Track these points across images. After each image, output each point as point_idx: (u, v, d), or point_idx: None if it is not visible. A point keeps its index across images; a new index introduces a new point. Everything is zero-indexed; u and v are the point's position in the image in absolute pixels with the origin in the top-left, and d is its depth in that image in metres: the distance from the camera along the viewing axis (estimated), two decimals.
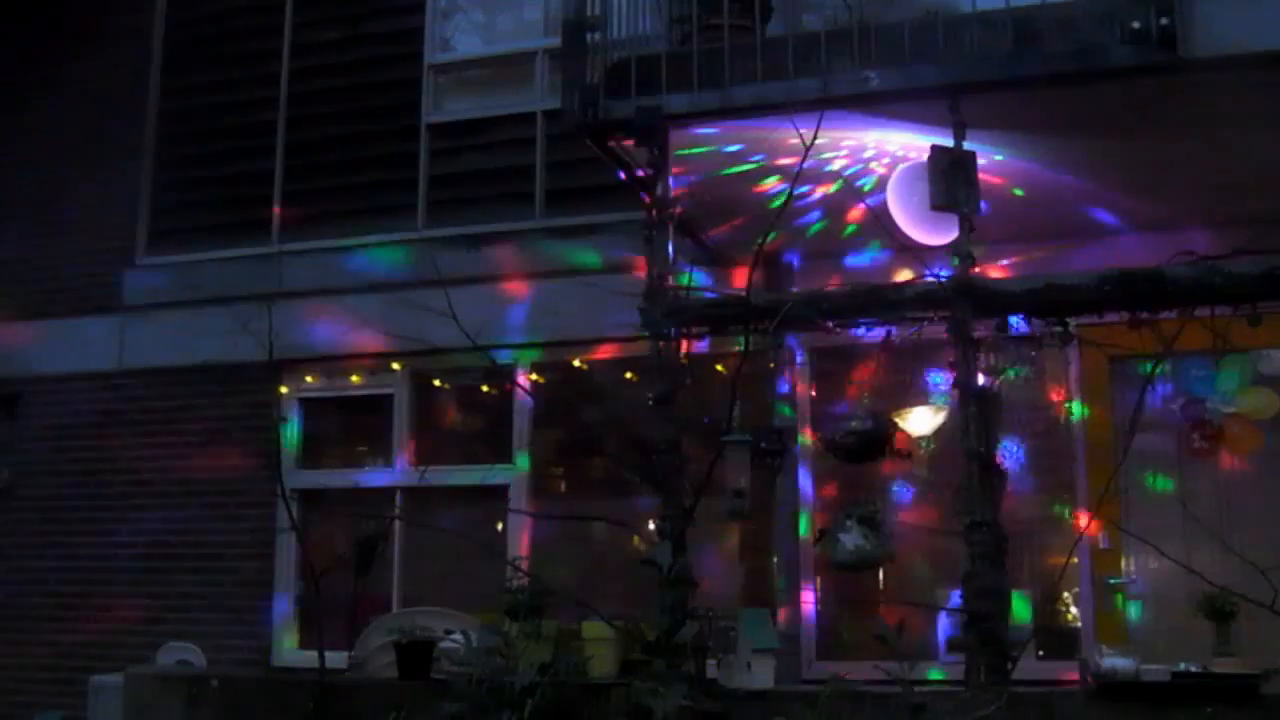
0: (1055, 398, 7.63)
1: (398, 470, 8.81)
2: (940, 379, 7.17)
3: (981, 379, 5.67)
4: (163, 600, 9.02)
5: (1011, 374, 6.01)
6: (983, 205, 5.87)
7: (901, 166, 6.46)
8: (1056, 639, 7.36)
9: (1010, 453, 7.19)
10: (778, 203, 6.30)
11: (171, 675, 7.12)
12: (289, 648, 8.76)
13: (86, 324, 9.71)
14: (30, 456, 9.76)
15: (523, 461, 8.48)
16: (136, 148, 9.94)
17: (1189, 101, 5.86)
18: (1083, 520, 7.04)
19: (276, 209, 9.48)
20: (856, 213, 7.19)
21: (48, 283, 9.88)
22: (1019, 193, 6.75)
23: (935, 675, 6.86)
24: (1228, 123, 6.01)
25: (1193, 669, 5.33)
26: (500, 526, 8.46)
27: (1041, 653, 7.20)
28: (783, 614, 7.55)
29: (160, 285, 9.48)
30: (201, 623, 8.82)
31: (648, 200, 6.27)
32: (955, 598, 5.58)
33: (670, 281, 6.12)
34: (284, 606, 8.83)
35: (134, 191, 9.89)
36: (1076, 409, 7.54)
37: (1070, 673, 6.39)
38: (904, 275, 6.40)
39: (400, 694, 6.05)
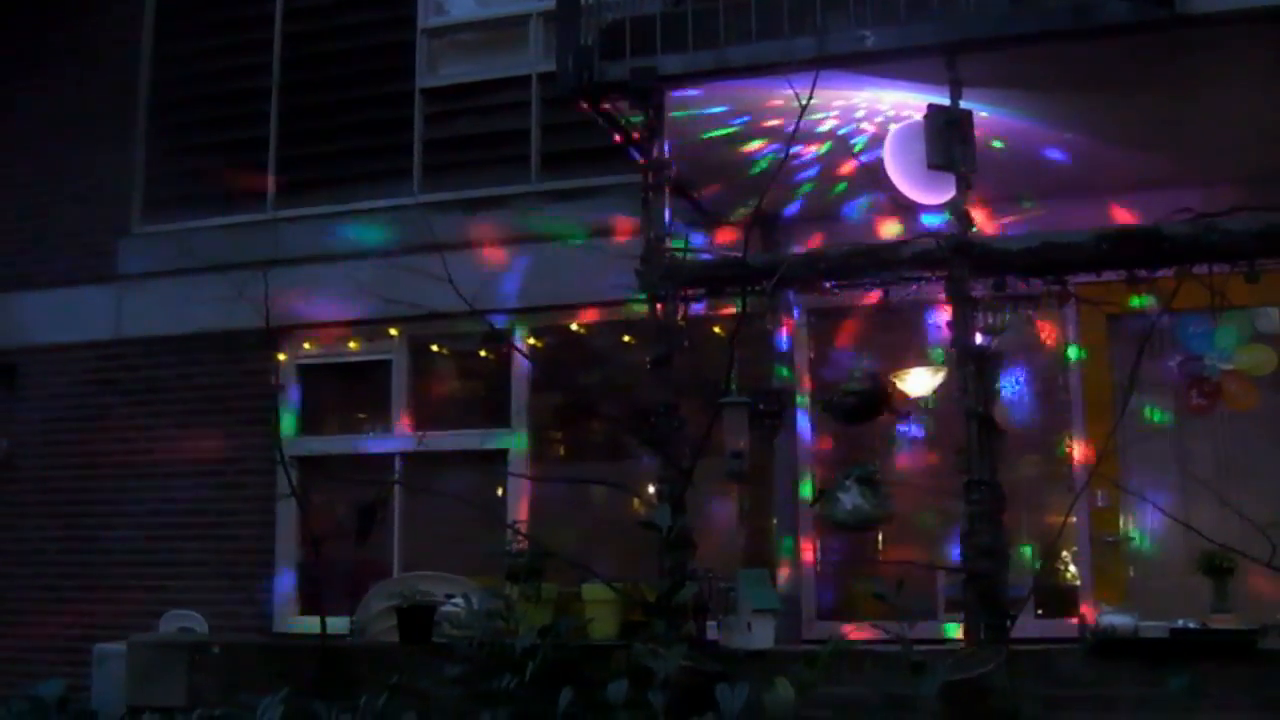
0: (1053, 356, 7.62)
1: (397, 436, 8.81)
2: (938, 338, 7.17)
3: (979, 338, 5.67)
4: (164, 568, 9.03)
5: (1006, 329, 5.99)
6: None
7: (898, 126, 6.43)
8: (1055, 597, 7.38)
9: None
10: (765, 165, 6.29)
11: (174, 643, 7.15)
12: (291, 614, 8.78)
13: (83, 293, 9.69)
14: (29, 427, 9.75)
15: (522, 424, 8.48)
16: (130, 116, 9.89)
17: (1186, 58, 5.82)
18: (1081, 478, 7.05)
19: (271, 176, 9.44)
20: (853, 172, 7.17)
21: (44, 253, 9.85)
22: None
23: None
24: (1225, 79, 5.99)
25: (1191, 625, 5.36)
26: (500, 491, 8.47)
27: (1040, 611, 7.23)
28: (783, 574, 7.56)
29: (156, 254, 9.45)
30: (203, 590, 8.84)
31: (643, 162, 6.26)
32: (955, 556, 5.60)
33: (666, 243, 6.10)
34: (285, 573, 8.85)
35: (128, 160, 9.84)
36: (1074, 367, 7.54)
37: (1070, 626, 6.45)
38: (901, 235, 6.38)
39: (402, 658, 6.08)
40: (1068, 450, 7.46)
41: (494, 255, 8.42)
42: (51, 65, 10.17)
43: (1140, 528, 7.38)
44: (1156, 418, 7.43)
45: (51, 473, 9.61)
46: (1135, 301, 6.21)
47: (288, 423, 8.96)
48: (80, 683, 7.53)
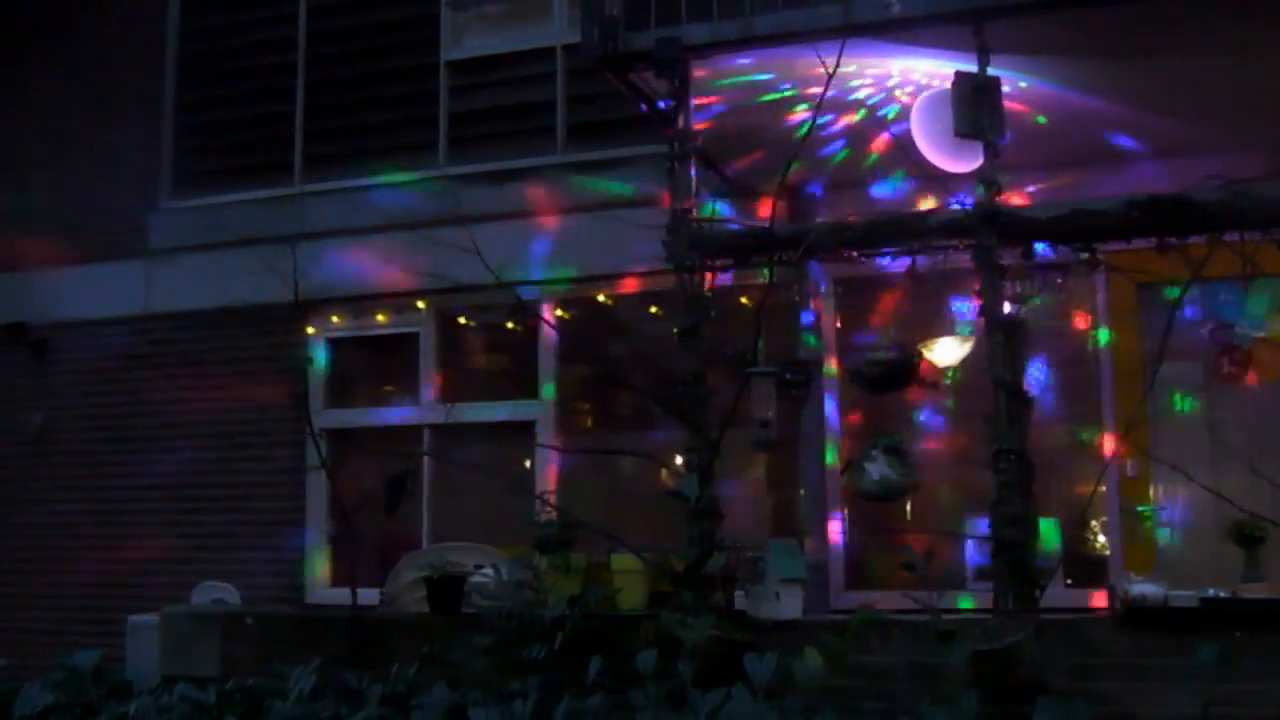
0: (1082, 325, 7.58)
1: (425, 408, 8.85)
2: (966, 308, 7.13)
3: (1008, 307, 5.64)
4: (196, 540, 9.13)
5: (1036, 301, 5.96)
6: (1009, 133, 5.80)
7: (925, 94, 6.38)
8: (1085, 567, 7.36)
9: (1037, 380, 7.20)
10: (801, 133, 6.25)
11: (206, 614, 7.20)
12: (322, 585, 8.86)
13: (113, 268, 9.75)
14: (62, 401, 9.85)
15: (549, 395, 8.50)
16: (157, 92, 9.94)
17: (1218, 21, 5.76)
18: (1110, 447, 7.02)
19: (298, 149, 9.47)
20: (880, 142, 7.14)
21: (74, 229, 9.90)
22: (1042, 120, 6.66)
23: (965, 604, 6.89)
24: (1258, 42, 5.91)
25: (1221, 594, 5.34)
26: (528, 462, 8.50)
27: (1070, 581, 7.22)
28: (810, 544, 7.56)
29: (185, 228, 9.50)
30: (235, 562, 8.93)
31: (669, 133, 6.24)
32: (983, 526, 5.58)
33: (693, 213, 6.09)
34: (316, 544, 8.92)
35: (156, 135, 9.90)
36: (1104, 336, 7.50)
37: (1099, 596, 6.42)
38: (928, 204, 6.34)
39: (432, 628, 6.11)
40: (1097, 420, 7.43)
41: (521, 227, 8.43)
42: (78, 41, 10.21)
43: (1161, 508, 7.36)
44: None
45: (84, 446, 9.70)
46: (1170, 291, 6.15)
47: (316, 395, 9.00)
48: (114, 654, 7.60)
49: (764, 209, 6.07)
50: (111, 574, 9.31)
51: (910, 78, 6.54)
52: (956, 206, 5.71)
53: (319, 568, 8.90)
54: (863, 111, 6.87)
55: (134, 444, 9.51)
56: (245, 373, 9.17)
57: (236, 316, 9.12)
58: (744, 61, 6.38)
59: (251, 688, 5.58)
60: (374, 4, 9.45)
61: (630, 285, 8.31)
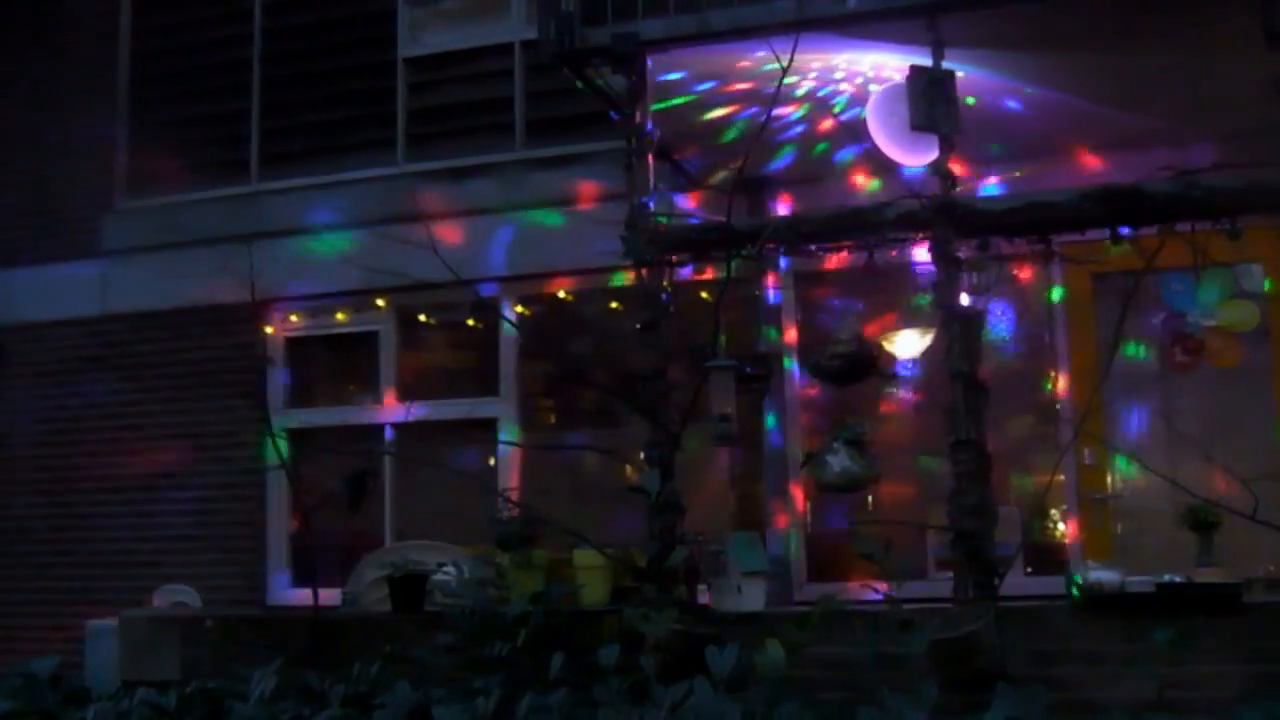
0: (1037, 316, 7.65)
1: (386, 406, 8.82)
2: (924, 300, 7.18)
3: (965, 299, 5.68)
4: (155, 543, 9.04)
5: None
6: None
7: (881, 87, 6.42)
8: (1043, 555, 7.42)
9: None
10: (750, 127, 6.27)
11: (167, 617, 7.17)
12: (283, 586, 8.81)
13: (69, 270, 9.64)
14: (17, 405, 9.74)
15: (510, 395, 8.49)
16: (111, 90, 9.83)
17: (1170, 16, 5.81)
18: (1067, 436, 7.08)
19: (255, 148, 9.40)
20: (837, 135, 7.16)
21: (28, 230, 9.81)
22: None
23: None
24: (1210, 37, 5.97)
25: (1177, 580, 5.40)
26: (491, 460, 8.48)
27: (1029, 569, 7.28)
28: (773, 537, 7.59)
29: (141, 228, 9.41)
30: (195, 564, 8.85)
31: (627, 128, 6.24)
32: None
33: (651, 209, 6.10)
34: (277, 545, 8.87)
35: (111, 135, 9.79)
36: (1059, 324, 7.57)
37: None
38: (885, 197, 6.38)
39: (394, 627, 6.11)
40: (1054, 408, 7.50)
41: (480, 224, 8.40)
42: (30, 40, 10.10)
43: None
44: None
45: (40, 450, 9.60)
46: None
47: (276, 395, 8.97)
48: (73, 659, 7.54)
49: (722, 202, 6.08)
50: (69, 579, 9.22)
51: (862, 70, 6.57)
52: (912, 199, 5.73)
53: (280, 568, 8.85)
54: (821, 104, 6.89)
55: (91, 447, 9.42)
56: (203, 373, 9.10)
57: (194, 317, 9.07)
58: (700, 55, 6.39)
59: (212, 690, 5.54)
60: (330, 0, 9.39)
61: (590, 281, 8.30)
